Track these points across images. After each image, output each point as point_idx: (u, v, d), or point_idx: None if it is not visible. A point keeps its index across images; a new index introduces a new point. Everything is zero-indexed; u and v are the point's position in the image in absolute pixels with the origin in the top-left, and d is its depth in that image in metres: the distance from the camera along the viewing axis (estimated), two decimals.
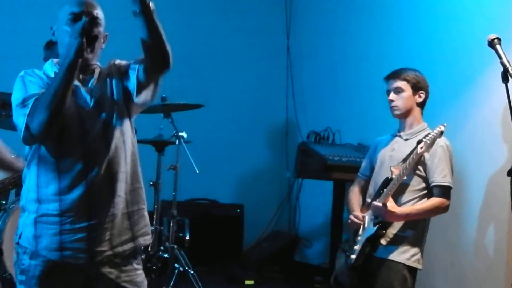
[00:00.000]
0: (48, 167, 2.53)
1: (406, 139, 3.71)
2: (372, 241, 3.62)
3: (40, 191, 2.55)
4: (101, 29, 2.59)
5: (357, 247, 3.69)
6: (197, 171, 4.76)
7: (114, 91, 2.63)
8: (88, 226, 2.54)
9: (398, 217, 3.58)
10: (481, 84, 4.57)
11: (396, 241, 3.61)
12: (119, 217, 2.61)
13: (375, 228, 3.59)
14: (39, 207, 2.54)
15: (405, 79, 3.71)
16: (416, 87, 3.71)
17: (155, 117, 5.02)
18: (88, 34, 2.47)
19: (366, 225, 3.70)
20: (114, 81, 2.65)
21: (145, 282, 2.72)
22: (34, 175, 2.57)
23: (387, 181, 3.59)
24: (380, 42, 5.74)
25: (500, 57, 2.89)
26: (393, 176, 3.56)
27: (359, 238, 3.71)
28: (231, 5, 6.83)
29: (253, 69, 6.89)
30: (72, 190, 2.51)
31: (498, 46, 2.92)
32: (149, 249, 4.85)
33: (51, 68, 2.63)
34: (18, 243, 2.60)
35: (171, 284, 4.77)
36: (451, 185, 3.60)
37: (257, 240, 6.66)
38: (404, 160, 3.58)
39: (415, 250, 3.63)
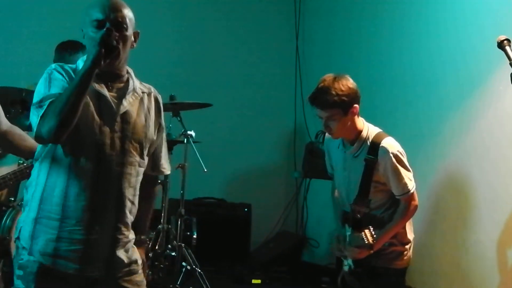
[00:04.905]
0: (61, 169, 2.50)
1: (355, 156, 3.54)
2: (354, 274, 3.61)
3: (46, 190, 2.52)
4: (127, 32, 2.52)
5: (345, 265, 3.66)
6: (205, 170, 4.76)
7: (148, 132, 2.65)
8: (85, 240, 2.51)
9: (371, 250, 3.51)
10: (488, 87, 4.56)
11: (385, 249, 3.57)
12: (120, 244, 2.59)
13: (353, 266, 3.58)
14: (42, 206, 2.52)
15: (333, 106, 3.40)
16: (347, 106, 3.42)
17: (164, 116, 5.02)
18: (107, 45, 2.42)
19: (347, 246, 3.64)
20: (151, 123, 2.67)
21: (144, 282, 2.71)
22: (45, 172, 2.54)
23: (353, 218, 3.53)
24: (389, 44, 5.73)
25: (509, 59, 2.86)
26: (358, 216, 3.49)
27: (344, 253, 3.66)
28: (240, 7, 6.84)
29: (262, 69, 6.90)
30: (78, 198, 2.48)
31: (507, 48, 2.89)
32: (156, 247, 4.87)
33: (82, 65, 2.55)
34: (18, 238, 2.58)
35: (178, 283, 4.78)
36: (412, 189, 3.50)
37: (264, 240, 6.66)
38: (360, 192, 3.48)
39: (403, 251, 3.60)
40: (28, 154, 3.34)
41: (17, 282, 2.56)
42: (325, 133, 6.13)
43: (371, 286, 3.60)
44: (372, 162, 3.45)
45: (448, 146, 4.91)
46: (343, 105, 3.41)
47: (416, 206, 3.56)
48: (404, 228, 3.60)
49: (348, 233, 3.59)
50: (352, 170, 3.55)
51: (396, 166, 3.45)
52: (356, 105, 3.45)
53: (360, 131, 3.52)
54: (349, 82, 3.45)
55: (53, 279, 2.52)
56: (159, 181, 4.84)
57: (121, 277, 2.61)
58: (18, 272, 2.56)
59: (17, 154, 3.58)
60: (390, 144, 3.47)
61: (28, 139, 3.19)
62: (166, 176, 4.95)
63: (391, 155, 3.44)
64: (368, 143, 3.48)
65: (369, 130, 3.53)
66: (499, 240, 4.43)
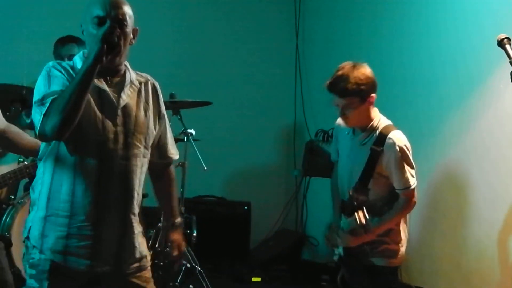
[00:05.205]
0: (65, 166, 2.51)
1: (363, 143, 3.53)
2: (344, 262, 3.60)
3: (53, 189, 2.53)
4: (127, 29, 2.53)
5: (336, 254, 3.67)
6: (205, 168, 4.76)
7: (150, 122, 2.66)
8: (94, 235, 2.53)
9: (364, 239, 3.49)
10: (488, 86, 4.56)
11: (377, 246, 3.55)
12: (129, 237, 2.61)
13: (343, 255, 3.57)
14: (50, 205, 2.53)
15: (352, 94, 3.40)
16: (365, 94, 3.42)
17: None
18: (109, 41, 2.43)
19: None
20: (151, 114, 2.68)
21: (152, 279, 2.73)
22: (50, 171, 2.55)
23: (350, 204, 3.51)
24: (389, 42, 5.73)
25: (509, 57, 2.86)
26: (355, 203, 3.46)
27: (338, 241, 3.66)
28: (240, 6, 6.84)
29: (262, 68, 6.90)
30: (86, 194, 2.50)
31: (507, 46, 2.89)
32: (156, 245, 4.86)
33: (80, 61, 2.58)
34: (27, 238, 2.59)
35: (178, 281, 4.78)
36: (413, 185, 3.48)
37: (264, 238, 6.66)
38: (361, 180, 3.47)
39: (396, 250, 3.57)
40: (27, 152, 3.34)
41: (30, 281, 2.57)
42: (324, 132, 6.18)
43: (369, 284, 3.59)
44: (377, 153, 3.44)
45: (448, 146, 4.91)
46: (361, 94, 3.41)
47: (414, 203, 3.55)
48: (398, 225, 3.58)
49: (343, 221, 3.58)
50: (356, 158, 3.54)
51: (401, 159, 3.44)
52: (373, 94, 3.46)
53: (372, 119, 3.51)
54: (367, 71, 3.47)
55: (65, 276, 2.54)
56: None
57: (131, 273, 2.63)
58: (29, 271, 2.57)
59: (16, 152, 3.58)
60: (398, 137, 3.47)
61: (26, 137, 3.19)
62: None
63: (397, 147, 3.43)
64: (377, 133, 3.48)
65: (380, 120, 3.53)
66: (499, 239, 4.44)
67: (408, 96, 5.37)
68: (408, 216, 3.63)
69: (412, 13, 5.49)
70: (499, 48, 2.88)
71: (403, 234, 3.61)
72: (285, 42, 7.02)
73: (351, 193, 3.50)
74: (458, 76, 4.84)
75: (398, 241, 3.58)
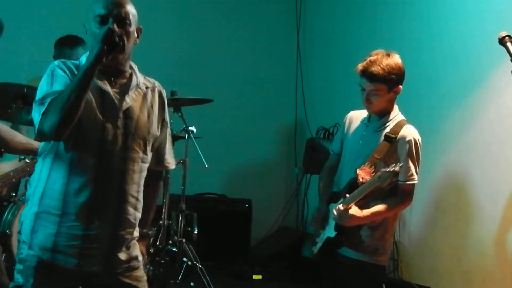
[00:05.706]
0: (62, 164, 2.50)
1: (376, 131, 3.53)
2: (333, 244, 3.55)
3: (48, 186, 2.52)
4: (130, 28, 2.52)
5: (318, 241, 3.64)
6: (206, 166, 4.77)
7: (152, 128, 2.64)
8: (84, 235, 2.51)
9: (361, 220, 3.45)
10: (489, 84, 4.56)
11: (362, 241, 3.51)
12: (120, 239, 2.59)
13: (335, 233, 3.51)
14: (42, 201, 2.52)
15: (381, 81, 3.41)
16: (393, 84, 3.44)
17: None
18: (110, 41, 2.41)
19: (330, 220, 3.58)
20: (154, 119, 2.66)
21: (145, 277, 2.71)
22: (48, 167, 2.54)
23: (353, 184, 3.48)
24: (390, 39, 5.72)
25: (511, 55, 2.87)
26: (360, 179, 3.42)
27: (321, 231, 3.62)
28: (242, 4, 6.86)
29: (263, 65, 6.91)
30: (79, 194, 2.48)
31: (509, 44, 2.89)
32: (157, 243, 4.87)
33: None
34: (19, 232, 2.59)
35: (179, 278, 4.79)
36: (415, 181, 3.49)
37: (264, 235, 6.67)
38: (371, 162, 3.44)
39: (384, 247, 3.54)
40: (20, 151, 3.33)
41: (17, 276, 2.56)
42: (325, 130, 6.19)
43: (354, 282, 3.57)
44: (391, 140, 3.46)
45: (449, 143, 4.91)
46: (390, 82, 3.43)
47: (410, 201, 3.54)
48: (388, 221, 3.56)
49: (332, 208, 3.52)
50: (367, 143, 3.54)
51: (412, 151, 3.47)
52: (400, 86, 3.48)
53: (391, 111, 3.54)
54: (399, 62, 3.48)
55: (52, 274, 2.53)
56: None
57: (121, 272, 2.62)
58: (18, 266, 2.57)
59: (9, 151, 3.56)
60: (413, 131, 3.51)
61: (19, 135, 3.19)
62: (167, 172, 4.95)
63: (412, 139, 3.47)
64: (393, 124, 3.51)
65: (398, 114, 3.56)
66: (500, 237, 4.44)
67: (409, 94, 5.32)
68: (407, 214, 3.62)
69: (413, 12, 5.49)
70: (501, 46, 2.88)
71: (390, 234, 3.61)
72: (286, 41, 7.03)
73: (357, 172, 3.47)
74: (460, 74, 4.84)
75: (386, 238, 3.58)
